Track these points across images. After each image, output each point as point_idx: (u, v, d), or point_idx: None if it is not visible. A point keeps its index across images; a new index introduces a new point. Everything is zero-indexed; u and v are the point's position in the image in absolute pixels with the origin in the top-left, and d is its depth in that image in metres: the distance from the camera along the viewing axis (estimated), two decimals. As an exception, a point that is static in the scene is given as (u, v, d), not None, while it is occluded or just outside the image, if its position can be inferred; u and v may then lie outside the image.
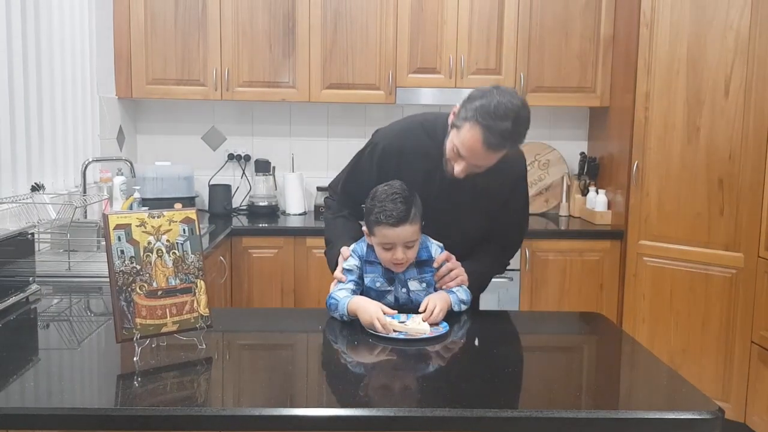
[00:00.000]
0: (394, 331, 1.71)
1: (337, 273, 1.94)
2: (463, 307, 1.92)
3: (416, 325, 1.74)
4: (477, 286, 2.03)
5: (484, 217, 2.01)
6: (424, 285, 1.92)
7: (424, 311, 1.80)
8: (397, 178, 1.93)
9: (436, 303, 1.82)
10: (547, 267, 3.52)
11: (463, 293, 1.93)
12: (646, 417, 1.32)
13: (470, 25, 3.63)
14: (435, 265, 1.92)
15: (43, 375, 1.48)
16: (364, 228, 1.91)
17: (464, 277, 1.94)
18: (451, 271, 1.93)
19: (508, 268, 3.46)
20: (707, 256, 3.20)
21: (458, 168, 1.81)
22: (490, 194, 1.97)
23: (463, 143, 1.77)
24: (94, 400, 1.38)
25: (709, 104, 3.16)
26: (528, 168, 3.94)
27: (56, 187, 2.95)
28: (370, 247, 1.91)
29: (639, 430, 1.32)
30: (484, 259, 2.05)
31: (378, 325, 1.70)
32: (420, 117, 2.05)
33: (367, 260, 1.91)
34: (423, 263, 1.91)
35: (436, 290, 1.93)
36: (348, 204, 2.13)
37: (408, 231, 1.81)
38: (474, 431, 1.31)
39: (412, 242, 1.84)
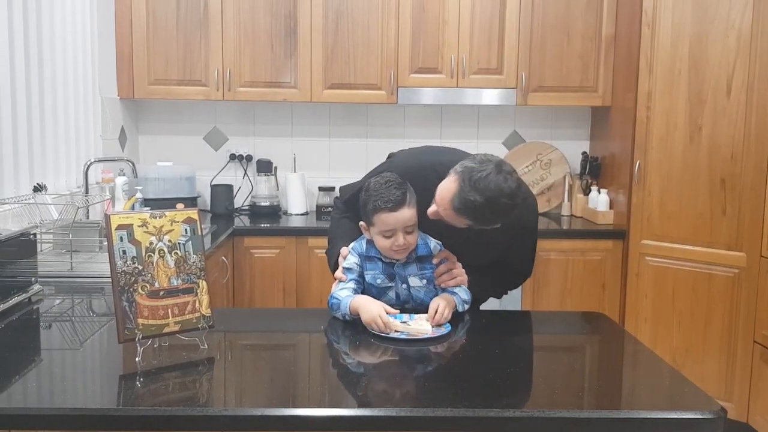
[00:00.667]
0: (396, 331, 1.72)
1: (338, 273, 1.95)
2: (466, 307, 1.93)
3: (418, 326, 1.74)
4: (475, 285, 2.03)
5: (488, 259, 2.00)
6: (424, 281, 1.92)
7: (430, 313, 1.80)
8: None
9: (439, 303, 1.82)
10: (549, 267, 3.51)
11: (464, 293, 1.93)
12: (648, 417, 1.32)
13: (472, 24, 3.63)
14: (434, 261, 1.92)
15: (46, 375, 1.49)
16: (362, 223, 1.91)
17: (464, 277, 1.94)
18: (450, 270, 1.93)
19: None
20: (710, 255, 3.20)
21: (431, 209, 1.82)
22: (495, 240, 1.92)
23: (440, 190, 1.77)
24: (97, 401, 1.39)
25: (711, 104, 3.16)
26: (530, 167, 3.93)
27: (58, 187, 2.95)
28: (369, 243, 1.92)
29: (641, 430, 1.32)
30: (487, 277, 2.04)
31: (380, 323, 1.70)
32: (435, 158, 1.97)
33: (367, 256, 1.92)
34: (423, 259, 1.92)
35: (435, 288, 1.93)
36: (355, 211, 2.14)
37: (407, 214, 1.82)
38: (476, 431, 1.31)
39: (411, 227, 1.85)
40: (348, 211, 2.13)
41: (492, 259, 2.01)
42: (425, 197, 1.87)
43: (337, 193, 2.24)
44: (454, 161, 1.85)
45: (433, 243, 1.95)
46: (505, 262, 2.04)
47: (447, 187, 1.74)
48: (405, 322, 1.75)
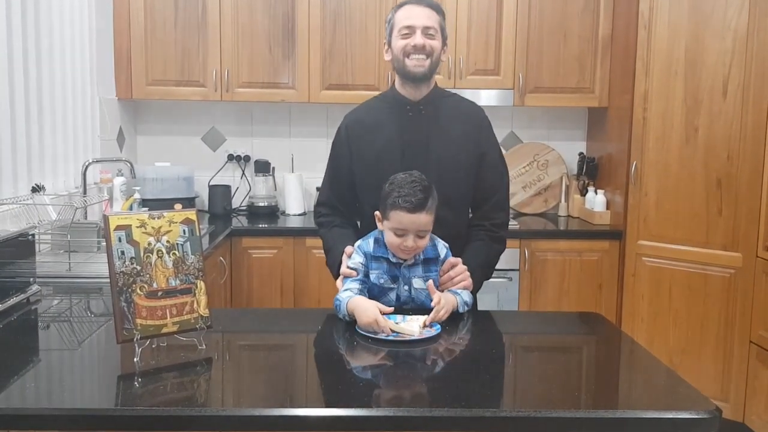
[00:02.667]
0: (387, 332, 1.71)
1: (344, 269, 1.93)
2: (466, 308, 1.93)
3: (408, 327, 1.73)
4: (482, 274, 2.07)
5: (465, 172, 2.07)
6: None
7: (423, 317, 1.79)
8: (369, 147, 2.06)
9: (444, 304, 1.81)
10: (546, 267, 3.52)
11: (466, 295, 1.93)
12: (644, 417, 1.33)
13: (469, 25, 3.64)
14: (442, 270, 1.93)
15: (44, 375, 1.49)
16: (377, 213, 1.90)
17: (468, 282, 1.95)
18: (456, 276, 1.93)
19: (507, 268, 3.49)
20: (706, 256, 3.21)
21: (416, 38, 1.98)
22: (461, 141, 2.07)
23: (401, 14, 2.01)
24: (95, 401, 1.39)
25: (707, 104, 3.17)
26: (527, 168, 3.97)
27: (57, 188, 2.96)
28: (376, 242, 1.91)
29: (637, 429, 1.33)
30: (485, 243, 2.10)
31: (375, 328, 1.70)
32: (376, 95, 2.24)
33: (374, 256, 1.90)
34: (429, 261, 1.92)
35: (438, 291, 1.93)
36: (338, 209, 2.17)
37: (422, 219, 1.82)
38: (473, 431, 1.31)
39: (425, 232, 1.85)
40: (333, 218, 2.16)
41: (476, 178, 2.09)
42: (380, 119, 2.10)
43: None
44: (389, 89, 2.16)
45: (441, 245, 1.94)
46: (486, 181, 2.11)
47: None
48: (397, 323, 1.75)
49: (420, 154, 2.03)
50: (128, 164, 3.25)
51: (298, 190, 3.90)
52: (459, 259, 1.96)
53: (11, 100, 2.62)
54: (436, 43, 2.02)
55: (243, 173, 4.04)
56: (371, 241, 1.93)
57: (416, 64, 2.01)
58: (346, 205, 2.17)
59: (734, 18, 3.06)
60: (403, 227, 1.82)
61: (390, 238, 1.86)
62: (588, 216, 3.78)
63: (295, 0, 3.61)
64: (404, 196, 1.81)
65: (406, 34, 2.01)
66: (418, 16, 2.00)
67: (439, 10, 2.06)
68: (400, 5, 2.06)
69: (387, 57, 2.09)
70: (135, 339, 1.50)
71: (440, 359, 1.67)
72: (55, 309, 2.06)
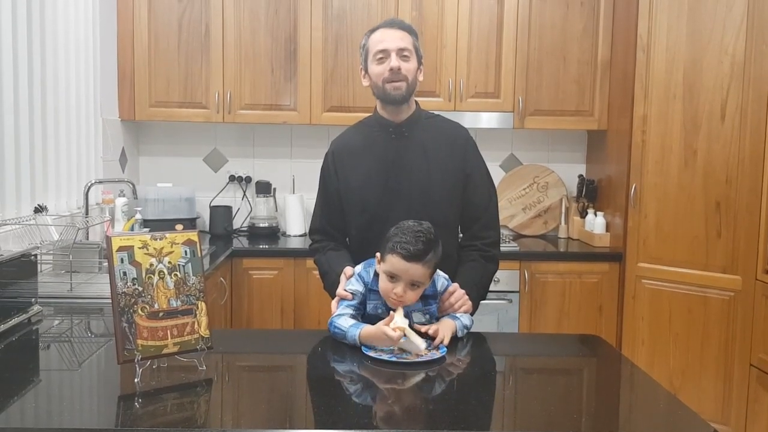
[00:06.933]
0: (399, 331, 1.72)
1: (340, 290, 1.93)
2: (465, 332, 1.93)
3: (415, 338, 1.74)
4: (477, 294, 2.06)
5: (450, 193, 2.08)
6: (427, 317, 1.90)
7: (425, 333, 1.80)
8: (354, 171, 2.10)
9: (441, 332, 1.80)
10: (546, 289, 3.53)
11: (466, 319, 1.93)
12: (643, 439, 1.33)
13: (469, 49, 3.67)
14: (442, 299, 1.92)
15: (44, 395, 1.49)
16: (378, 253, 1.87)
17: (468, 305, 1.95)
18: (456, 302, 1.93)
19: (507, 290, 3.49)
20: (705, 278, 3.21)
21: (392, 60, 2.00)
22: (445, 163, 2.08)
23: (375, 38, 2.05)
24: (95, 421, 1.39)
25: (705, 128, 3.20)
26: (527, 190, 3.97)
27: (59, 208, 2.97)
28: (376, 275, 1.89)
29: (636, 452, 1.33)
30: (478, 263, 2.11)
31: (391, 343, 1.71)
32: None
33: (372, 288, 1.88)
34: (428, 296, 1.89)
35: (437, 319, 1.92)
36: (331, 235, 2.18)
37: (418, 270, 1.78)
38: (472, 453, 1.31)
39: (419, 284, 1.81)
40: (327, 243, 2.16)
41: (463, 200, 2.10)
42: (365, 144, 2.17)
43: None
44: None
45: (441, 279, 1.93)
46: (475, 203, 2.13)
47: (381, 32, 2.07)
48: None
49: (405, 177, 2.06)
50: (130, 185, 3.26)
51: (298, 211, 3.92)
52: (456, 285, 1.96)
53: (15, 121, 2.64)
54: (412, 65, 2.05)
55: (244, 194, 4.06)
56: (371, 271, 1.90)
57: (395, 87, 2.04)
58: (338, 230, 2.18)
59: (731, 43, 3.10)
60: (396, 273, 1.79)
61: (382, 281, 1.83)
62: (588, 238, 3.79)
63: (297, 22, 3.65)
64: (404, 243, 1.77)
65: (381, 58, 2.04)
66: (392, 38, 2.03)
67: (412, 31, 2.09)
68: (373, 30, 2.10)
69: (365, 83, 2.13)
70: (136, 359, 1.50)
71: (440, 381, 1.67)
72: (56, 329, 2.07)
